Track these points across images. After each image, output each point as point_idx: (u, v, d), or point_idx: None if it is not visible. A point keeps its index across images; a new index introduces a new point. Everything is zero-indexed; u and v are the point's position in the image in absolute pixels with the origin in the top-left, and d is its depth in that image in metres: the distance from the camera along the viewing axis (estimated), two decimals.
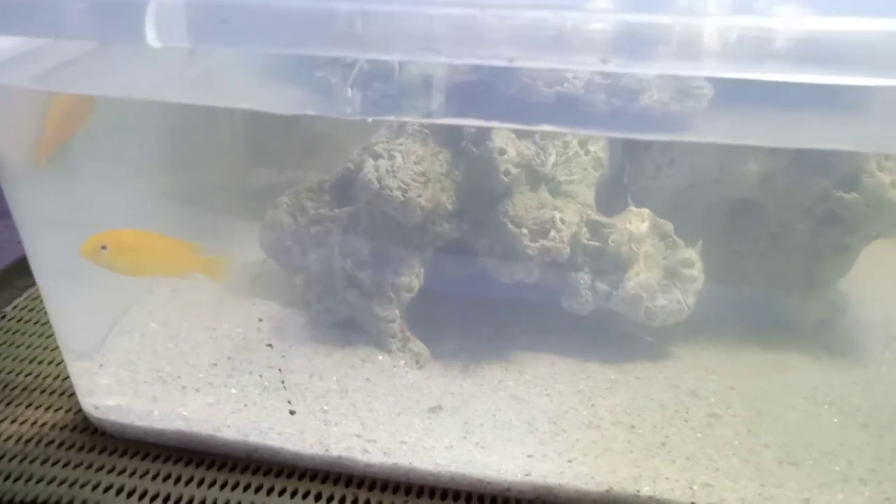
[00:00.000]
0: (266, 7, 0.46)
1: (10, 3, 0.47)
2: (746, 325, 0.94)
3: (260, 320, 0.89)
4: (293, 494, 0.71)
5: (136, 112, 0.88)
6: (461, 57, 0.44)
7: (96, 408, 0.77)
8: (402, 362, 0.85)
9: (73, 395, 0.82)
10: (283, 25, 0.46)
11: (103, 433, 0.78)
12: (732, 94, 0.65)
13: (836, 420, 0.79)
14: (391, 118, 0.78)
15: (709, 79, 0.70)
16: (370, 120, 0.58)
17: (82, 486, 0.72)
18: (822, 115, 0.62)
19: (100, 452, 0.76)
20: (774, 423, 0.78)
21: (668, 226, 0.86)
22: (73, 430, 0.79)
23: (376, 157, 0.83)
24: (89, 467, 0.74)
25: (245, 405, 0.77)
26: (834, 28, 0.47)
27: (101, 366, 0.82)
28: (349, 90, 0.61)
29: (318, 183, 0.97)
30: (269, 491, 0.71)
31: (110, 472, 0.73)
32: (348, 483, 0.72)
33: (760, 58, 0.47)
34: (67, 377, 0.86)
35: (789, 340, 0.92)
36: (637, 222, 0.85)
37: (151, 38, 0.46)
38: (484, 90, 0.74)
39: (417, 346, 0.86)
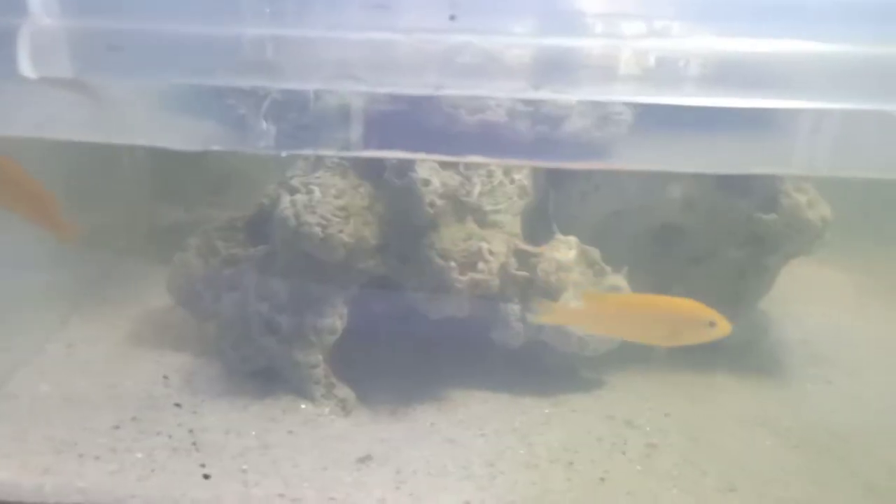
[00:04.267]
0: (164, 32, 0.41)
1: None
2: (675, 349, 0.94)
3: (165, 377, 0.81)
4: None
5: (32, 149, 0.80)
6: (384, 85, 0.41)
7: None
8: (328, 410, 0.80)
9: None
10: (184, 52, 0.41)
11: None
12: (652, 119, 0.65)
13: (768, 443, 0.79)
14: (308, 152, 0.74)
15: (630, 104, 0.70)
16: (284, 154, 0.53)
17: None
18: (738, 137, 0.62)
19: None
20: (711, 450, 0.77)
21: (596, 253, 0.85)
22: None
23: (293, 191, 0.78)
24: None
25: (153, 470, 0.69)
26: (748, 50, 0.47)
27: None
28: (262, 122, 0.56)
29: (231, 221, 0.91)
30: None
31: None
32: None
33: (690, 82, 0.46)
34: None
35: (717, 362, 0.92)
36: (564, 250, 0.83)
37: (25, 67, 0.41)
38: (405, 120, 0.71)
39: (343, 391, 0.81)
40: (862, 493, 0.70)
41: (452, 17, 0.39)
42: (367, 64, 0.41)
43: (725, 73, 0.48)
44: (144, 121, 0.56)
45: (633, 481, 0.72)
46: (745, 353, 0.93)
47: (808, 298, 1.02)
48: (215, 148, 0.49)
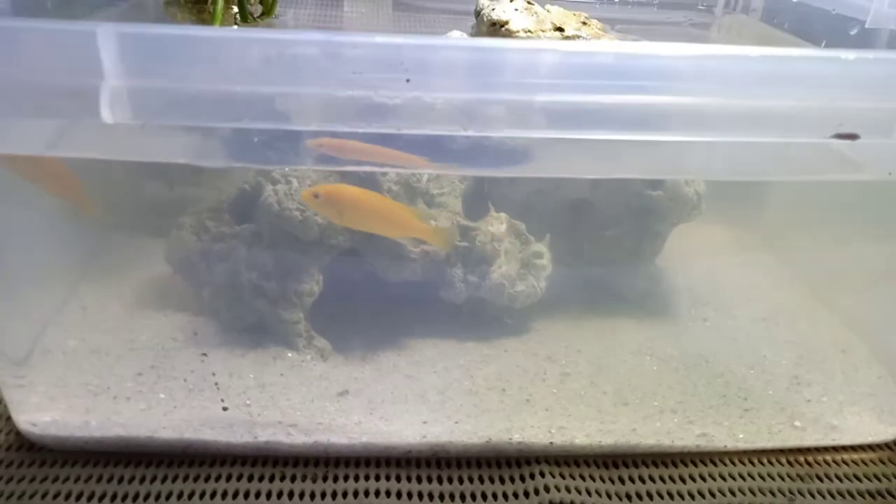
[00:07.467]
0: (202, 90, 0.58)
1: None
2: (588, 300, 1.16)
3: (195, 333, 0.98)
4: (228, 478, 0.83)
5: None
6: (360, 127, 0.59)
7: (34, 425, 0.84)
8: (309, 357, 0.99)
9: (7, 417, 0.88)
10: (215, 103, 0.59)
11: (41, 448, 0.85)
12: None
13: (655, 367, 1.02)
14: (289, 167, 0.90)
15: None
16: (287, 168, 0.69)
17: (31, 497, 0.79)
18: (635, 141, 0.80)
19: (41, 465, 0.83)
20: (611, 375, 0.99)
21: (522, 226, 1.05)
22: (8, 449, 0.86)
23: (275, 182, 0.96)
24: (32, 480, 0.81)
25: (175, 407, 0.88)
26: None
27: (28, 385, 0.89)
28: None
29: (216, 203, 1.07)
30: (207, 478, 0.83)
31: (55, 481, 0.81)
32: (276, 463, 0.86)
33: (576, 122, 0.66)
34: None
35: (621, 308, 1.15)
36: (497, 225, 1.04)
37: (106, 115, 0.57)
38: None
39: (321, 342, 1.00)
40: (716, 400, 0.94)
41: (408, 81, 0.57)
42: (345, 112, 0.59)
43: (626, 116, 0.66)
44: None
45: (550, 400, 0.94)
46: (644, 301, 1.16)
47: (695, 253, 1.26)
48: (238, 165, 0.66)
